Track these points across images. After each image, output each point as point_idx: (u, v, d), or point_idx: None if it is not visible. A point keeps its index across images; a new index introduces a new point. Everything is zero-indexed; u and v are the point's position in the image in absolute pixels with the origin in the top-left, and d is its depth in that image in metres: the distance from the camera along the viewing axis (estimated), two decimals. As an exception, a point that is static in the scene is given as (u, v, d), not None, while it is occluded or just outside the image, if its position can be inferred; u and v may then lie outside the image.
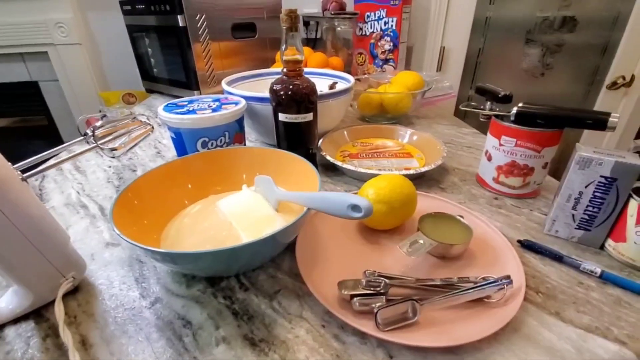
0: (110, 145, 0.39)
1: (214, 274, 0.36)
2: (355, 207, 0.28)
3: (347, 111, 0.89)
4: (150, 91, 1.12)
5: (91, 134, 0.37)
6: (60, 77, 1.42)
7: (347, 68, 1.17)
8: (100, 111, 0.97)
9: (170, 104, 0.55)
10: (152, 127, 0.46)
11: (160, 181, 0.42)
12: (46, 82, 1.45)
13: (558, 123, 0.45)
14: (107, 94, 1.20)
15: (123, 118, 0.43)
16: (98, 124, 0.38)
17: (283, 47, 0.49)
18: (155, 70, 1.06)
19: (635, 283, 0.35)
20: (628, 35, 1.24)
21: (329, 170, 0.60)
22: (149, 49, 1.03)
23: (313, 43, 1.23)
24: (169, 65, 1.01)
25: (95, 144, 0.37)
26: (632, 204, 0.37)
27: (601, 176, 0.37)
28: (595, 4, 1.22)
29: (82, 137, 0.37)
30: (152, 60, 1.05)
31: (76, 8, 1.32)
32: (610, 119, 0.41)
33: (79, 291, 0.36)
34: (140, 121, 0.45)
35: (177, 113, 0.51)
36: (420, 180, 0.56)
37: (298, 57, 0.50)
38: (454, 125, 0.82)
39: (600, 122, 0.42)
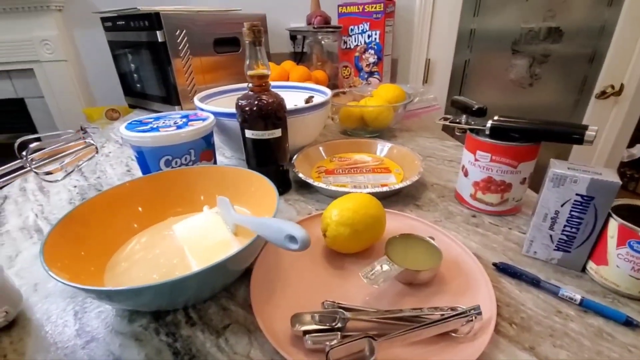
0: (44, 169, 0.37)
1: (158, 308, 0.33)
2: (292, 239, 0.26)
3: (328, 125, 0.88)
4: (133, 106, 1.11)
5: (26, 156, 0.35)
6: (46, 94, 1.41)
7: (334, 81, 1.16)
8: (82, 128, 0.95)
9: (134, 121, 0.53)
10: (96, 148, 0.43)
11: (106, 207, 0.39)
12: (32, 98, 1.44)
13: (534, 137, 0.43)
14: (90, 110, 1.18)
15: (65, 138, 0.41)
16: (33, 145, 0.36)
17: (247, 61, 0.47)
18: (137, 85, 1.05)
19: (618, 312, 0.32)
20: (615, 44, 1.23)
21: (302, 187, 0.57)
22: (131, 65, 1.02)
23: (300, 57, 1.23)
24: (150, 80, 0.99)
25: (29, 168, 0.35)
26: (612, 225, 0.34)
27: (577, 194, 0.35)
28: (580, 14, 1.22)
29: (20, 160, 0.35)
30: (134, 75, 1.04)
31: (62, 25, 1.32)
32: (587, 132, 0.39)
33: (15, 326, 0.33)
34: (85, 142, 0.42)
35: (140, 131, 0.49)
36: (396, 197, 0.53)
37: (264, 71, 0.48)
38: (436, 137, 0.79)
39: (576, 136, 0.40)
